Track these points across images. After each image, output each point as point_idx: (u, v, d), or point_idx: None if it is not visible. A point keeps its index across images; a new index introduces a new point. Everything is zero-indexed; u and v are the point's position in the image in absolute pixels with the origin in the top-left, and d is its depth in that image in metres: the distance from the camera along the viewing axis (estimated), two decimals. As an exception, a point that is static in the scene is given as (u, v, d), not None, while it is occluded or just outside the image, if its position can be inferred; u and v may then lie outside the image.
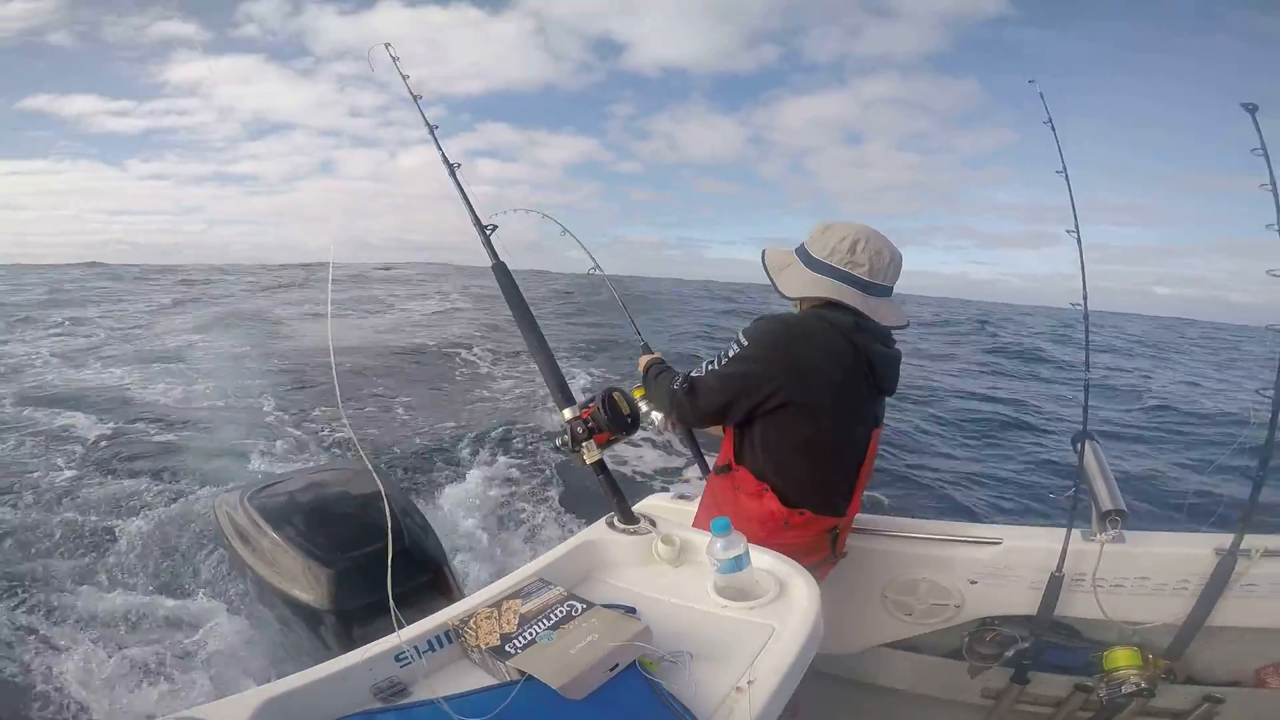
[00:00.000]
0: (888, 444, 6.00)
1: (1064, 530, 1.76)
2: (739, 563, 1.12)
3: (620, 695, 0.89)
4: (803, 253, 1.61)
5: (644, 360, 1.82)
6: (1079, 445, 1.80)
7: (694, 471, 4.80)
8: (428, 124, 1.62)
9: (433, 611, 1.17)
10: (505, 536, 3.92)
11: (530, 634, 0.99)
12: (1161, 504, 4.59)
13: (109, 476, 4.58)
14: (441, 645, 1.04)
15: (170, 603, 2.96)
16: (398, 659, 0.99)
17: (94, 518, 3.86)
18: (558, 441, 1.38)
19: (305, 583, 1.79)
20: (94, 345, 10.13)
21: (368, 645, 1.00)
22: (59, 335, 11.04)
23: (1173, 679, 1.75)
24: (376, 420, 6.31)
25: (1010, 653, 1.85)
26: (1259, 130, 1.56)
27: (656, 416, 1.78)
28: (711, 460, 1.84)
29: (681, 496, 2.14)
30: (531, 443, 5.61)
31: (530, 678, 0.89)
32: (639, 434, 1.61)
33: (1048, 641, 1.83)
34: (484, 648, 0.98)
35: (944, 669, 1.98)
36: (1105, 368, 12.65)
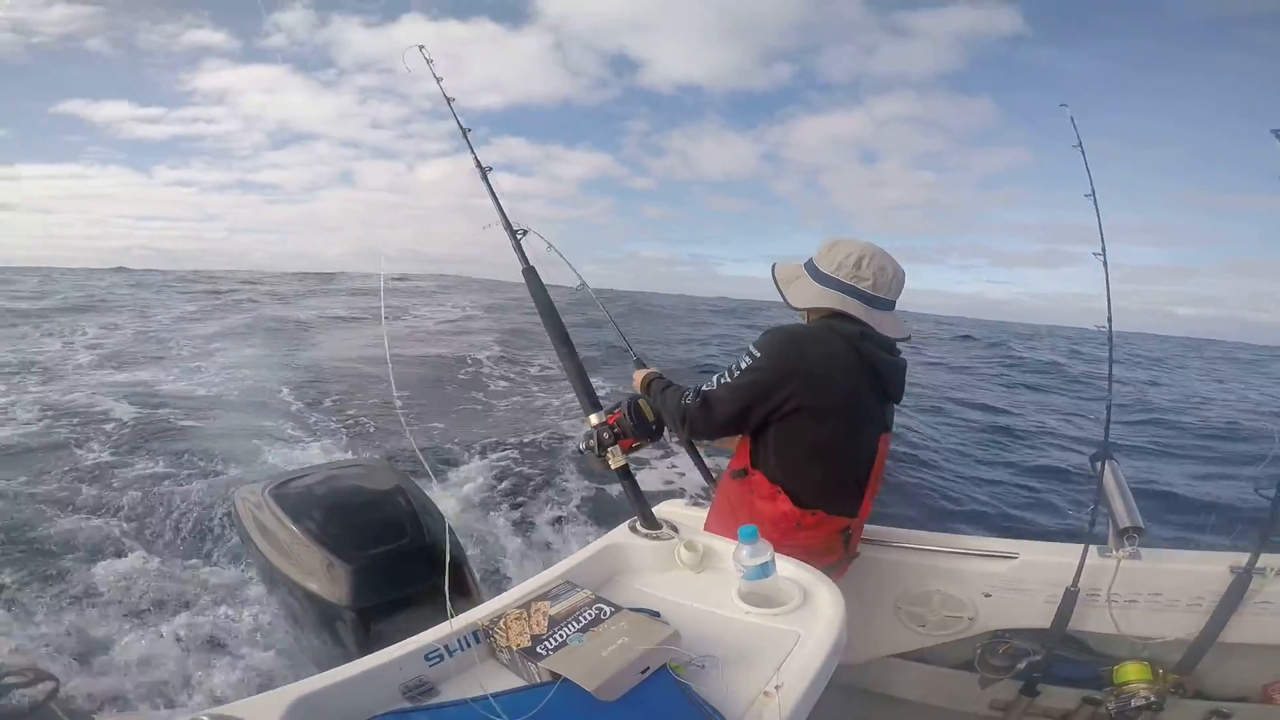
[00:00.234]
0: (907, 459, 6.06)
1: (1080, 546, 1.77)
2: (765, 570, 1.14)
3: (651, 698, 0.91)
4: (811, 267, 1.67)
5: (640, 375, 1.80)
6: (1099, 464, 1.81)
7: (685, 479, 4.82)
8: (461, 126, 1.64)
9: (453, 609, 1.18)
10: (520, 538, 3.94)
11: (560, 636, 1.00)
12: (1179, 521, 4.59)
13: (136, 463, 4.74)
14: (469, 645, 1.05)
15: (188, 591, 3.03)
16: (427, 658, 1.01)
17: (121, 510, 3.95)
18: (582, 446, 1.40)
19: (324, 578, 1.80)
20: (122, 346, 10.43)
21: (398, 644, 1.02)
22: (93, 338, 11.30)
23: (1182, 694, 1.76)
24: (394, 421, 6.40)
25: (1022, 665, 1.86)
26: None
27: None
28: (713, 466, 1.86)
29: (695, 503, 2.15)
30: (546, 447, 5.68)
31: (564, 679, 0.91)
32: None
33: (1059, 655, 1.84)
34: (515, 648, 0.99)
35: (954, 680, 1.99)
36: (1124, 381, 12.64)
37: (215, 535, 3.57)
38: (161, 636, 2.67)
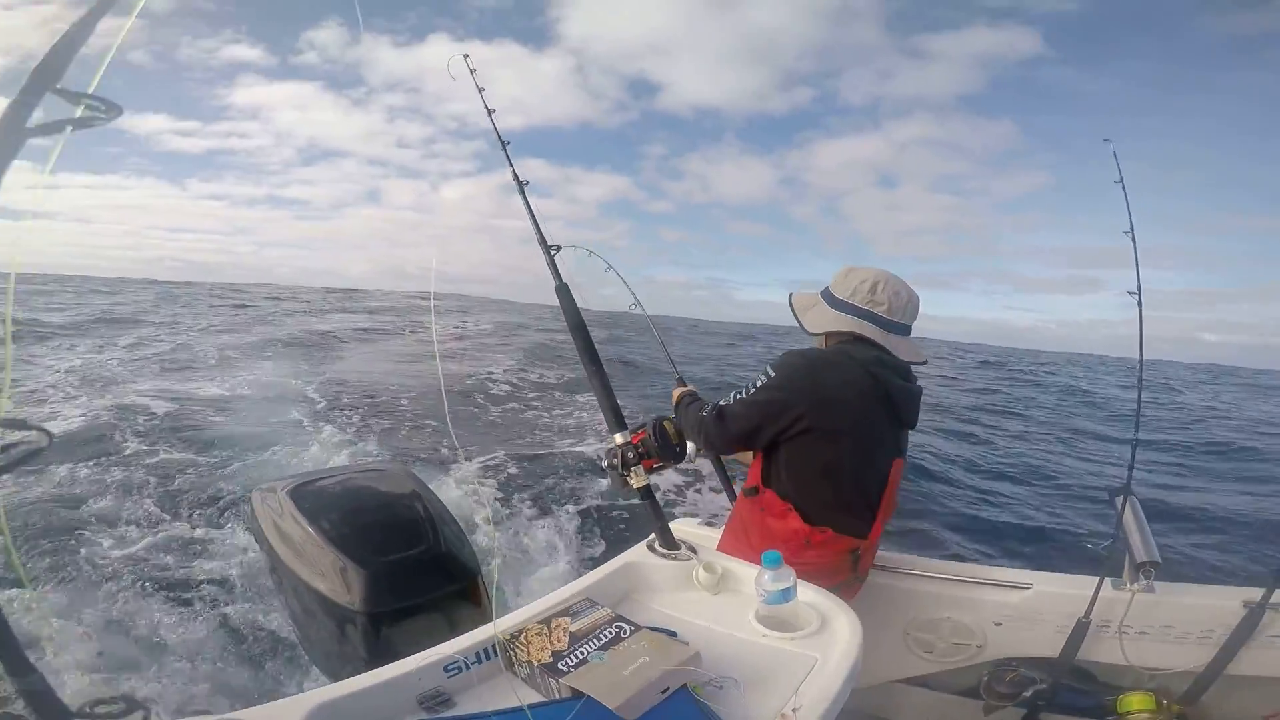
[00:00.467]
0: (924, 481, 6.07)
1: (1095, 579, 1.78)
2: (786, 595, 1.15)
3: (671, 718, 0.91)
4: (827, 295, 1.72)
5: (677, 392, 1.90)
6: (1120, 498, 1.82)
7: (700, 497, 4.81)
8: (500, 137, 1.66)
9: (464, 620, 1.19)
10: (535, 550, 3.97)
11: (581, 653, 1.01)
12: (1191, 556, 4.58)
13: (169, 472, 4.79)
14: (488, 658, 1.06)
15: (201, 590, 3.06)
16: (446, 669, 1.01)
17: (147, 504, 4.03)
18: (604, 464, 1.41)
19: (337, 581, 1.80)
20: (159, 355, 10.61)
21: (418, 655, 1.02)
22: (128, 347, 11.49)
23: None
24: (414, 434, 6.55)
25: (1027, 693, 1.86)
26: None
27: (690, 446, 1.83)
28: (739, 486, 1.87)
29: (708, 523, 2.16)
30: (562, 461, 5.74)
31: (586, 696, 0.91)
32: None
33: (1065, 684, 1.85)
34: (536, 663, 1.00)
35: (959, 707, 1.99)
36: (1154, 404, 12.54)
37: (229, 531, 3.62)
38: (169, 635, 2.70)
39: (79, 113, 0.51)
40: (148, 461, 4.85)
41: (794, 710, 0.95)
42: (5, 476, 0.48)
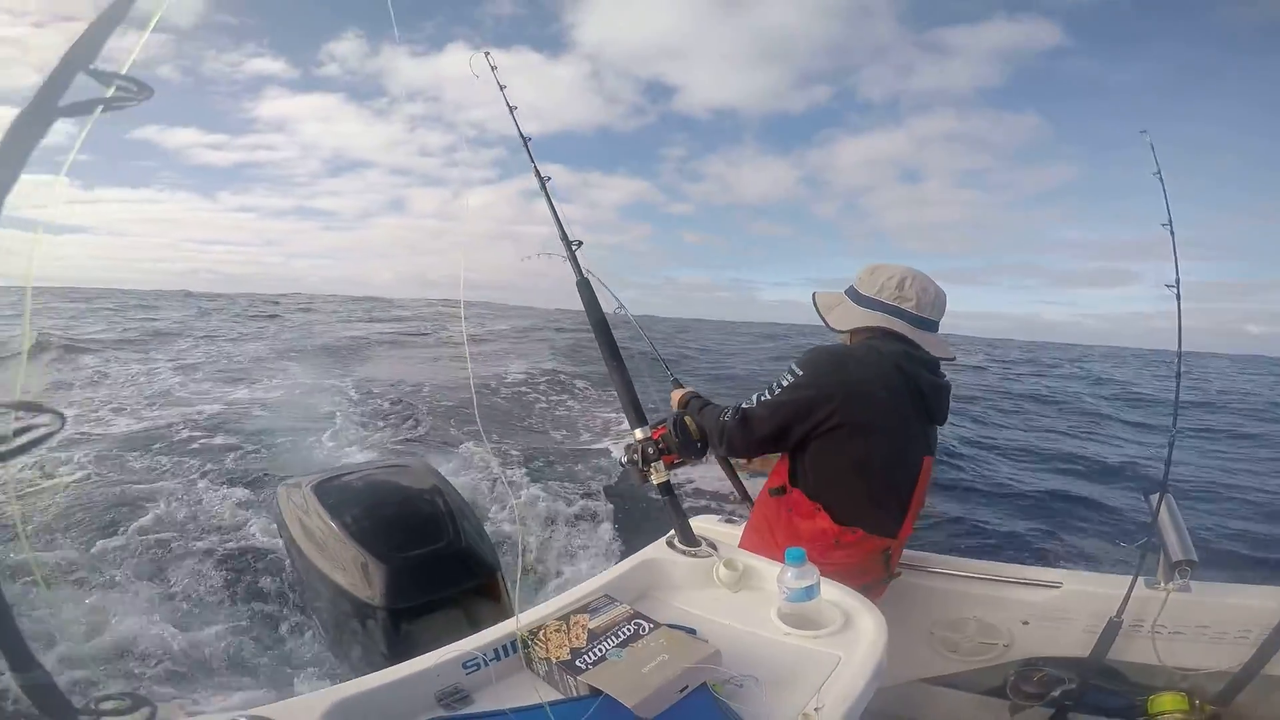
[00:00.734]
0: (954, 477, 6.00)
1: (1128, 577, 1.74)
2: (810, 593, 1.13)
3: (691, 716, 0.90)
4: (852, 293, 1.70)
5: (678, 394, 1.85)
6: (1156, 496, 1.78)
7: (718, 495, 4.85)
8: (521, 135, 1.65)
9: (483, 616, 1.18)
10: (550, 548, 3.98)
11: (600, 650, 1.00)
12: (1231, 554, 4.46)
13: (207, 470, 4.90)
14: (507, 654, 1.05)
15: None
16: (465, 666, 1.01)
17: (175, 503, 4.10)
18: (624, 460, 1.40)
19: (359, 576, 1.82)
20: (199, 364, 10.96)
21: (437, 651, 1.02)
22: (172, 358, 11.82)
23: None
24: (439, 430, 6.62)
25: (1056, 693, 1.83)
26: None
27: None
28: (750, 487, 1.84)
29: (729, 520, 2.14)
30: (583, 461, 5.77)
31: (604, 694, 0.90)
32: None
33: (1094, 685, 1.81)
34: (554, 660, 0.99)
35: (984, 707, 1.96)
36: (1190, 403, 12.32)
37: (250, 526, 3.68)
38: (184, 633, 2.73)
39: (110, 93, 0.51)
40: (176, 457, 4.96)
41: (816, 710, 0.93)
42: (21, 459, 0.48)
